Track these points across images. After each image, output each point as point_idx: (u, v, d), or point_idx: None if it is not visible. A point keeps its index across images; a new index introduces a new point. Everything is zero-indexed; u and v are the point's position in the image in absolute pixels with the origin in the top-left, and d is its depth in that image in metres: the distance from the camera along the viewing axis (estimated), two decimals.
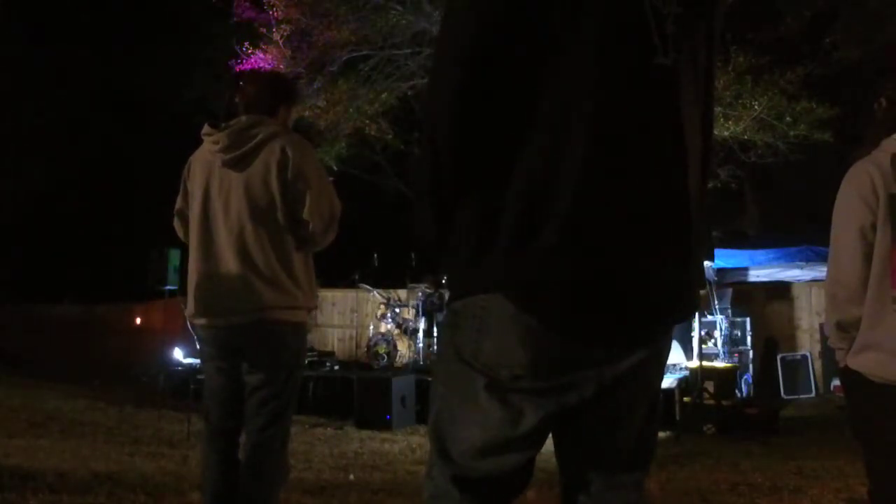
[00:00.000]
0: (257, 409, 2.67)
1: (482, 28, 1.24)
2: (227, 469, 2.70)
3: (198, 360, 4.13)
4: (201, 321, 2.73)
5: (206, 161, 2.75)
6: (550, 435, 1.40)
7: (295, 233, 2.69)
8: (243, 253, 2.63)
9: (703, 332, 8.31)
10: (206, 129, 2.76)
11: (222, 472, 2.70)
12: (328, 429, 7.07)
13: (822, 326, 8.97)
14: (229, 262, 2.65)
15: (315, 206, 2.66)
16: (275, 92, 2.83)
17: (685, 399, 7.28)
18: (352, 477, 4.92)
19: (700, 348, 7.78)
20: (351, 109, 11.15)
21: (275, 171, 2.63)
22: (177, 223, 2.89)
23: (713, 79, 1.42)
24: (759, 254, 9.95)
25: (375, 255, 9.70)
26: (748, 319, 9.45)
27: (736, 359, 9.00)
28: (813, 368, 9.50)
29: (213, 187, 2.70)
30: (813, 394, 9.34)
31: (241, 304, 2.62)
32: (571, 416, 1.34)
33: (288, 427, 2.78)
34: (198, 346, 2.86)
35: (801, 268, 9.63)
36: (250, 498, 2.64)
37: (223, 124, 2.71)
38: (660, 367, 1.42)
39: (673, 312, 1.36)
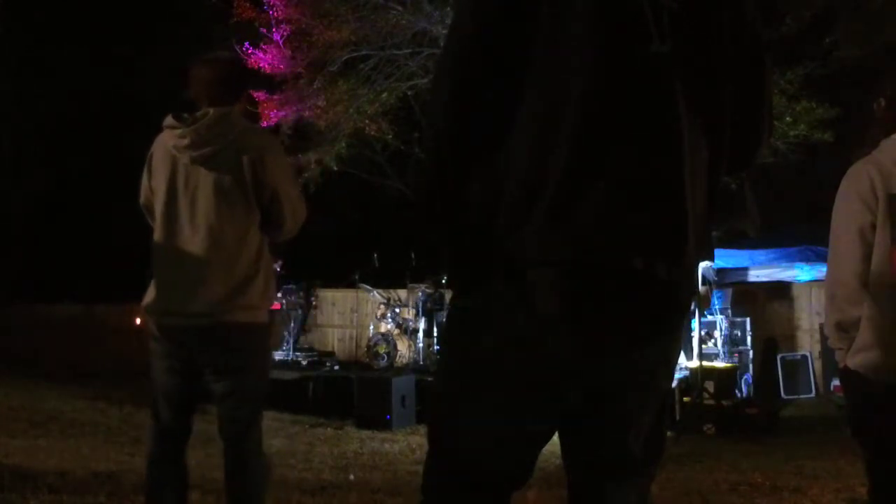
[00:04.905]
0: (230, 418, 2.62)
1: (482, 23, 1.27)
2: (174, 468, 2.64)
3: None
4: (159, 319, 2.63)
5: (168, 155, 2.64)
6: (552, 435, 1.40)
7: (267, 231, 2.65)
8: (207, 252, 2.56)
9: (703, 332, 8.31)
10: (169, 120, 2.66)
11: (168, 470, 2.64)
12: (328, 429, 7.06)
13: (821, 326, 8.94)
14: (192, 262, 2.56)
15: (289, 206, 2.63)
16: (237, 77, 2.75)
17: (685, 399, 7.28)
18: (352, 477, 4.92)
19: (700, 348, 7.78)
20: (351, 109, 11.14)
21: (248, 171, 2.55)
22: (147, 216, 2.77)
23: (734, 79, 1.37)
24: (759, 254, 9.92)
25: (375, 255, 9.69)
26: (748, 319, 9.44)
27: (736, 359, 8.98)
28: (813, 368, 9.48)
29: (179, 184, 2.60)
30: (813, 394, 9.33)
31: (203, 305, 2.54)
32: (578, 416, 1.34)
33: (260, 428, 2.70)
34: (151, 343, 2.67)
35: (802, 268, 9.62)
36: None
37: (187, 116, 2.62)
38: (668, 369, 1.41)
39: (661, 310, 1.32)
